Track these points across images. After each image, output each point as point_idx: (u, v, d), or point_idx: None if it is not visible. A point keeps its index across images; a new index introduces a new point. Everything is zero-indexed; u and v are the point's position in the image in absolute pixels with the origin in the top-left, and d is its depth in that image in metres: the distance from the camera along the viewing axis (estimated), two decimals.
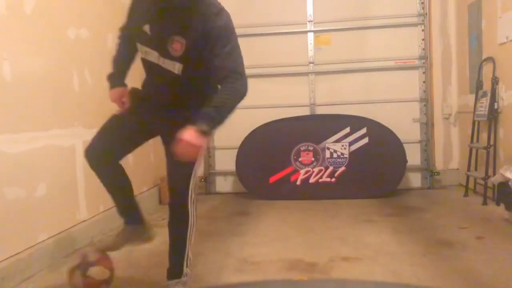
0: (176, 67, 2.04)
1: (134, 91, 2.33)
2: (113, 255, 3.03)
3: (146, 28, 2.05)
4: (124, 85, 2.34)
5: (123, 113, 2.30)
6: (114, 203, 2.41)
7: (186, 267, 2.33)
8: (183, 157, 1.91)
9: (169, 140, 2.01)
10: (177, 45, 2.00)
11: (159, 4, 2.02)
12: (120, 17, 4.07)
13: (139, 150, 4.45)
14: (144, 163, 4.56)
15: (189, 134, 1.86)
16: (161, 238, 3.43)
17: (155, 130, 2.27)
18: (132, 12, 2.22)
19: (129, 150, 2.36)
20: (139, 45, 2.15)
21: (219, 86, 2.04)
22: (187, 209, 2.27)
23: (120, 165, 2.29)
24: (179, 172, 2.18)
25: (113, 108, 4.04)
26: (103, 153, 2.22)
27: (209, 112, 1.93)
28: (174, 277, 2.32)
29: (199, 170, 2.36)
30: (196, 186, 2.31)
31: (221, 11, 2.04)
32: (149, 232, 2.58)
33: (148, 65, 2.17)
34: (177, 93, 2.15)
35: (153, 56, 2.09)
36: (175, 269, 2.33)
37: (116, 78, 2.34)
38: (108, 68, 3.80)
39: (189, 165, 2.13)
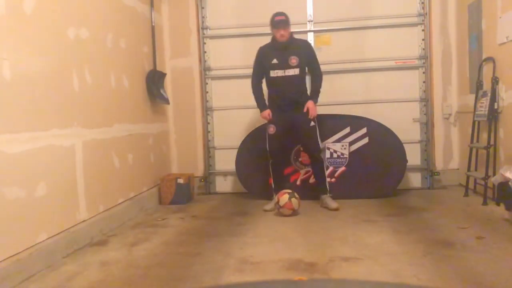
0: (295, 70, 4.17)
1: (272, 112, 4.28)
2: (113, 254, 3.05)
3: (275, 61, 4.18)
4: (267, 108, 4.28)
5: (275, 132, 4.25)
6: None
7: (328, 188, 4.31)
8: (313, 114, 4.19)
9: (302, 120, 4.19)
10: (294, 60, 4.15)
11: (277, 48, 4.19)
12: (120, 18, 4.10)
13: (139, 151, 4.47)
14: (144, 163, 4.56)
15: (312, 104, 4.20)
16: (160, 238, 3.44)
17: (292, 124, 4.23)
18: (260, 60, 4.28)
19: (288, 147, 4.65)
20: (271, 71, 4.19)
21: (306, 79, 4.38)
22: (320, 155, 4.32)
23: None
24: (312, 136, 4.25)
25: (113, 108, 4.07)
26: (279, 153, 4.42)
27: (316, 93, 4.26)
28: (325, 193, 4.29)
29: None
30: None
31: (307, 41, 4.66)
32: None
33: (276, 79, 4.19)
34: (295, 85, 4.21)
35: (280, 72, 4.17)
36: (324, 189, 4.31)
37: (263, 105, 4.29)
38: (107, 68, 3.83)
39: (315, 130, 4.26)
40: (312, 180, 4.64)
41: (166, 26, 5.32)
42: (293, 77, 4.18)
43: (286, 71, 4.16)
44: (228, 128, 5.30)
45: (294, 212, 3.95)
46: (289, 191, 4.02)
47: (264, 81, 4.36)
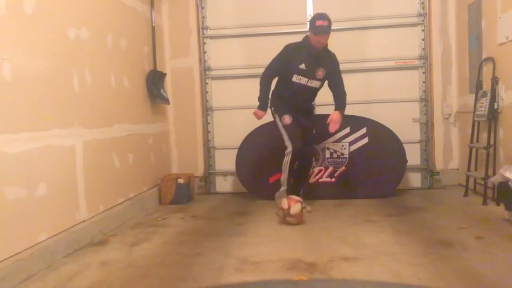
0: (318, 84, 4.01)
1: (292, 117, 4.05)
2: (113, 254, 3.05)
3: (302, 66, 3.90)
4: (266, 110, 4.07)
5: (293, 120, 4.02)
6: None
7: (302, 190, 4.23)
8: (336, 125, 3.92)
9: (307, 123, 4.16)
10: (320, 72, 3.94)
11: (309, 52, 3.89)
12: (120, 18, 4.10)
13: (139, 151, 4.47)
14: (144, 163, 4.56)
15: (338, 114, 3.94)
16: (161, 238, 3.44)
17: (302, 124, 4.09)
18: (285, 60, 3.93)
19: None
20: (295, 75, 3.92)
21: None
22: (311, 155, 4.37)
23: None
24: (312, 134, 4.24)
25: (113, 108, 4.06)
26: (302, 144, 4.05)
27: (343, 106, 4.00)
28: (298, 195, 3.96)
29: None
30: None
31: (335, 54, 4.06)
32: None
33: (297, 85, 3.96)
34: (312, 97, 4.18)
35: (304, 80, 3.95)
36: (299, 192, 4.10)
37: (264, 105, 4.04)
38: (107, 68, 3.83)
39: (315, 134, 4.29)
40: (312, 179, 4.64)
41: (166, 26, 5.32)
42: (313, 89, 4.04)
43: (309, 81, 3.95)
44: (228, 128, 5.31)
45: (300, 222, 3.70)
46: (301, 200, 3.71)
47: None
